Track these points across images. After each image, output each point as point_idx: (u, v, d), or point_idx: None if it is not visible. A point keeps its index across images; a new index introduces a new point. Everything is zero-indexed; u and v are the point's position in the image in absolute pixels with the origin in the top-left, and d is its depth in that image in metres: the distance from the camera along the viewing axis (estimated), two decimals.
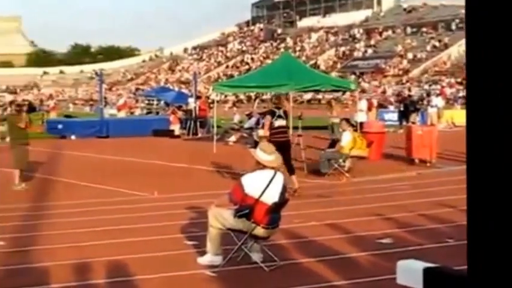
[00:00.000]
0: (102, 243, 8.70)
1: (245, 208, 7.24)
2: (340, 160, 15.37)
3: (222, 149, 22.05)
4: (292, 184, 12.42)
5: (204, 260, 7.51)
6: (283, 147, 11.53)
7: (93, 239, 8.90)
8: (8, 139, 24.84)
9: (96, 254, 8.01)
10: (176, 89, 61.04)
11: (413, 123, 24.76)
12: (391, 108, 40.44)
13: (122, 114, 39.72)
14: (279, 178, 7.41)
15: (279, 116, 12.96)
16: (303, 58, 74.88)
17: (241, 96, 58.25)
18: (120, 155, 20.31)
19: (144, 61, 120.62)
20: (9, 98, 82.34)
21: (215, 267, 7.32)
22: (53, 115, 39.05)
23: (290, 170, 12.69)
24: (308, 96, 53.88)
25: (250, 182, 7.35)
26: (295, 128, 18.22)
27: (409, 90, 45.42)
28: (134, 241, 8.81)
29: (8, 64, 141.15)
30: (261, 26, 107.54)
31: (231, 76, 74.03)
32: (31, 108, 36.96)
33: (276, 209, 7.31)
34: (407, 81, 60.58)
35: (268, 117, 13.13)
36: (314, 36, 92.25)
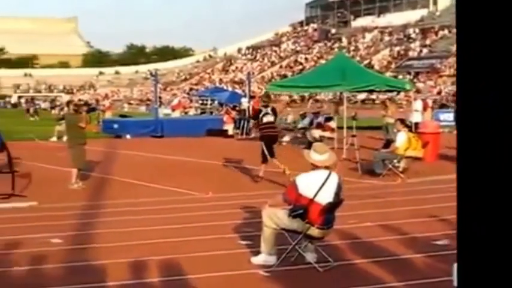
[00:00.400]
0: (157, 241, 8.77)
1: (299, 208, 7.22)
2: (395, 161, 15.21)
3: (275, 149, 22.04)
4: (258, 171, 14.85)
5: (258, 259, 7.52)
6: (271, 140, 14.80)
7: (148, 237, 8.99)
8: (65, 138, 25.42)
9: (150, 253, 8.09)
10: (230, 89, 61.39)
11: None
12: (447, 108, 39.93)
13: (176, 114, 40.14)
14: (334, 178, 7.37)
15: (267, 113, 14.77)
16: (357, 58, 74.42)
17: (295, 96, 58.15)
18: (175, 155, 20.51)
19: (198, 61, 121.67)
20: (66, 98, 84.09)
21: (269, 267, 7.32)
22: (108, 115, 39.63)
23: (264, 159, 14.66)
24: (362, 96, 53.52)
25: (305, 182, 7.32)
26: (350, 128, 18.13)
27: None
28: (188, 240, 8.87)
29: (65, 65, 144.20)
30: (315, 26, 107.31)
31: (285, 76, 74.03)
32: (91, 109, 37.75)
33: (330, 210, 7.28)
34: None
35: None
36: (368, 36, 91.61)
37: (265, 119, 14.78)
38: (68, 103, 16.22)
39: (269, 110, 14.97)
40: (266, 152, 14.56)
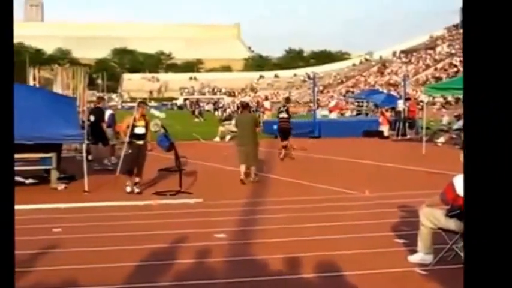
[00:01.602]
0: (314, 238, 8.96)
1: (457, 208, 7.20)
2: None
3: (431, 149, 21.80)
4: (289, 151, 20.23)
5: (415, 258, 7.59)
6: (284, 131, 20.15)
7: (306, 234, 9.22)
8: (227, 138, 26.42)
9: (307, 249, 8.25)
10: (385, 91, 60.74)
11: None
12: None
13: (333, 116, 40.36)
14: None
15: (282, 111, 20.37)
16: None
17: (449, 98, 56.94)
18: (331, 155, 20.78)
19: (354, 65, 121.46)
20: (228, 100, 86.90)
21: (426, 265, 7.37)
22: (267, 116, 40.46)
23: (282, 140, 20.21)
24: None
25: (462, 183, 7.27)
26: None
27: None
28: (345, 238, 9.00)
29: (227, 69, 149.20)
30: None
31: (439, 78, 72.42)
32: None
33: None
34: None
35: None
36: None
37: (281, 115, 20.38)
38: (245, 105, 17.07)
39: (285, 109, 20.39)
40: (279, 136, 20.61)
